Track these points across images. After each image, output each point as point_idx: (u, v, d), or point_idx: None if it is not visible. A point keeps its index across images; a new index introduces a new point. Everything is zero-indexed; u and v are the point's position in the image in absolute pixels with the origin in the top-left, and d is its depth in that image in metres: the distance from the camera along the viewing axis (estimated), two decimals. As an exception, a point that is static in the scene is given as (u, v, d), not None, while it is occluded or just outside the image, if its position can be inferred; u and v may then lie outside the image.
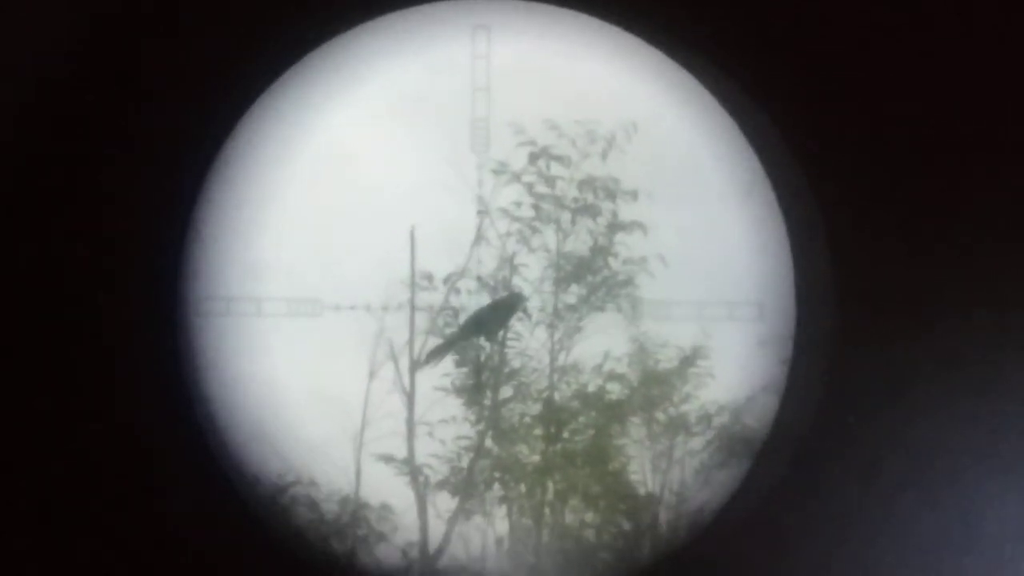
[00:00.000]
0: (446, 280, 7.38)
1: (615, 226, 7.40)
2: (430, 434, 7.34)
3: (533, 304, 7.40)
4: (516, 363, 7.44)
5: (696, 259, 6.94)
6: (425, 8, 5.76)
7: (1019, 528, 5.26)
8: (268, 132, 6.05)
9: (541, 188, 7.40)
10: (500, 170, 7.29)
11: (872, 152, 5.35)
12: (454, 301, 7.40)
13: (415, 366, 7.34)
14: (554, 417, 7.42)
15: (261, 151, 6.11)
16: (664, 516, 7.28)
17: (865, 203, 5.35)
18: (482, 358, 7.42)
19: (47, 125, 5.38)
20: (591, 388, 7.44)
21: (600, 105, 7.06)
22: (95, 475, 5.37)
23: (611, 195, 7.37)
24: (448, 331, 7.40)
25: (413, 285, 7.33)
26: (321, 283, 6.97)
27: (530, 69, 6.77)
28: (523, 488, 7.38)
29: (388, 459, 7.27)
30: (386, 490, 7.15)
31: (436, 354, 7.37)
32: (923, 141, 5.34)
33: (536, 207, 7.42)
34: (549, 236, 7.45)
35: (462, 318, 7.38)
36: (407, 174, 6.95)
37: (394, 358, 7.32)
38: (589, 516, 7.35)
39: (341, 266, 6.97)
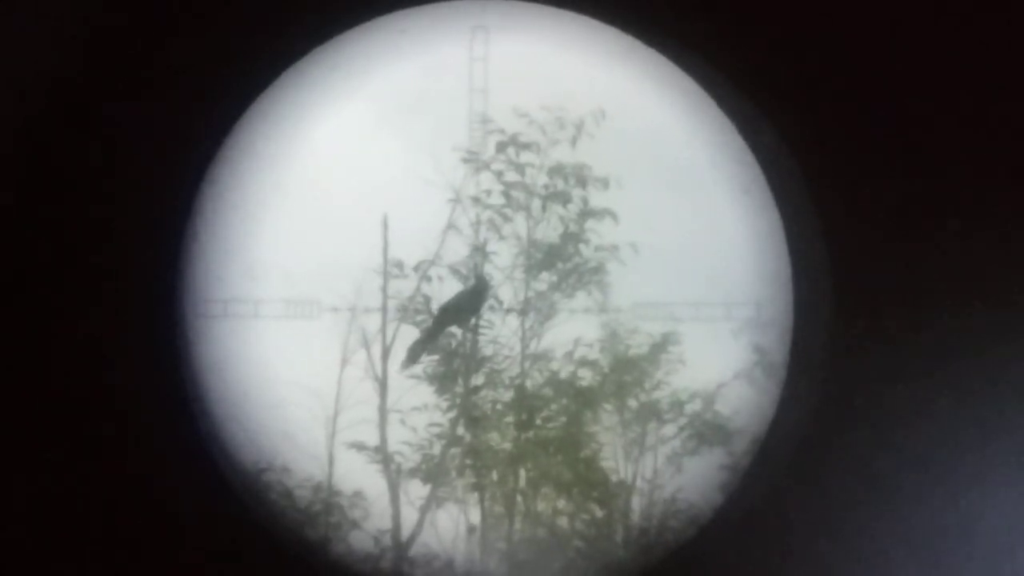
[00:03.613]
0: (417, 268, 7.38)
1: (586, 213, 7.41)
2: (402, 422, 7.34)
3: (505, 292, 7.41)
4: (488, 350, 7.44)
5: (693, 259, 6.96)
6: (423, 9, 5.75)
7: (1019, 526, 5.28)
8: (265, 133, 6.05)
9: (511, 176, 7.41)
10: (469, 158, 7.30)
11: (870, 150, 5.37)
12: (425, 289, 7.40)
13: (387, 354, 7.34)
14: (526, 404, 7.43)
15: (258, 152, 6.11)
16: (637, 503, 7.29)
17: (863, 201, 5.37)
18: (454, 345, 7.42)
19: (43, 127, 5.37)
20: (563, 375, 7.44)
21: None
22: (91, 471, 5.37)
23: (582, 182, 7.39)
24: (419, 318, 7.40)
25: (385, 273, 7.33)
26: (319, 285, 6.99)
27: (528, 71, 6.80)
28: (495, 475, 7.39)
29: (360, 447, 7.27)
30: (358, 477, 7.15)
31: (415, 352, 7.37)
32: (921, 139, 5.36)
33: (506, 194, 7.42)
34: (520, 224, 7.45)
35: (433, 306, 7.38)
36: (406, 176, 6.97)
37: (366, 345, 7.31)
38: (561, 503, 7.36)
39: (339, 267, 6.98)
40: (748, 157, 5.71)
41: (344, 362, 7.26)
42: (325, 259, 6.92)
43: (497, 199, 7.43)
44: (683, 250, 6.96)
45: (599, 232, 7.40)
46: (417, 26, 5.96)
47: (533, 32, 6.09)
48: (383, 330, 7.34)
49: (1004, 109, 5.31)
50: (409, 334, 7.41)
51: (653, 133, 6.65)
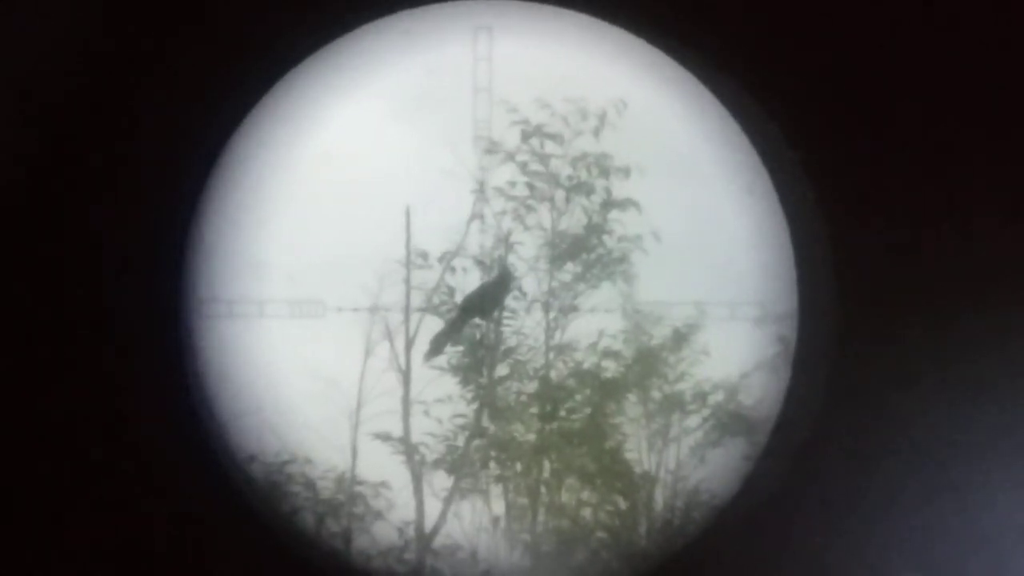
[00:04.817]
0: (441, 258, 7.38)
1: (609, 204, 7.39)
2: (426, 413, 7.35)
3: (529, 283, 7.41)
4: (512, 341, 7.44)
5: (697, 259, 6.94)
6: (427, 9, 5.73)
7: (1020, 525, 5.25)
8: (271, 133, 6.06)
9: (535, 166, 7.39)
10: (493, 149, 7.29)
11: (874, 150, 5.33)
12: (449, 280, 7.40)
13: (411, 345, 7.34)
14: (550, 395, 7.42)
15: (263, 152, 6.12)
16: (660, 495, 7.27)
17: (867, 201, 5.33)
18: (478, 337, 7.42)
19: (46, 125, 5.38)
20: (586, 366, 7.43)
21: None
22: (93, 471, 5.40)
23: (604, 172, 7.36)
24: (444, 309, 7.40)
25: (408, 263, 7.33)
26: (323, 284, 7.01)
27: (532, 70, 6.79)
28: (519, 467, 7.39)
29: (384, 437, 7.29)
30: (382, 468, 7.17)
31: (439, 343, 7.38)
32: (924, 138, 5.31)
33: (530, 186, 7.40)
34: (544, 214, 7.44)
35: (457, 297, 7.38)
36: (410, 176, 6.97)
37: (390, 337, 7.32)
38: (585, 495, 7.36)
39: (344, 267, 6.99)
40: (752, 157, 5.67)
41: (367, 354, 7.28)
42: (336, 256, 6.93)
43: (521, 190, 7.41)
44: (686, 250, 6.94)
45: (623, 222, 7.38)
46: (421, 26, 5.94)
47: (537, 32, 6.06)
48: (406, 321, 7.34)
49: (1007, 108, 5.26)
50: (433, 325, 7.42)
51: (656, 133, 6.63)
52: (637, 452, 7.36)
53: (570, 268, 7.45)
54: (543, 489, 7.35)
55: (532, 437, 7.42)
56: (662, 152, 6.77)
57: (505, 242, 7.37)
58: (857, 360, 5.33)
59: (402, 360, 7.33)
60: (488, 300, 7.36)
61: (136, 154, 5.44)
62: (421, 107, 6.81)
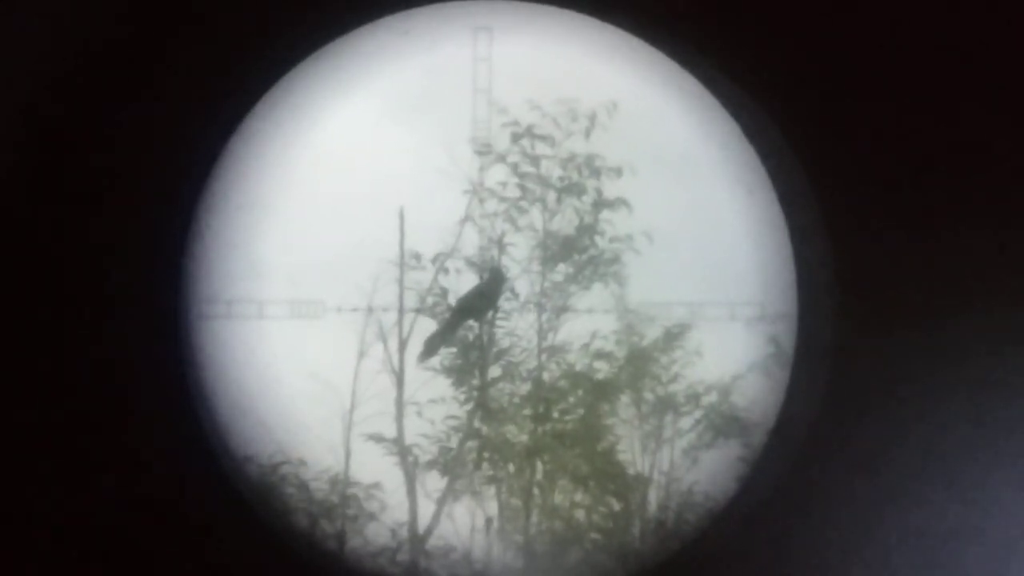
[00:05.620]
0: (435, 260, 7.37)
1: (600, 204, 7.39)
2: (419, 414, 7.35)
3: (521, 284, 7.41)
4: (504, 343, 7.44)
5: (695, 259, 6.95)
6: (426, 10, 5.74)
7: (1020, 525, 5.26)
8: (270, 134, 6.05)
9: (526, 168, 7.39)
10: (484, 151, 7.28)
11: (872, 149, 5.34)
12: (443, 281, 7.40)
13: (404, 346, 7.34)
14: (543, 397, 7.42)
15: (263, 153, 6.12)
16: (654, 496, 7.27)
17: (866, 201, 5.34)
18: (471, 338, 7.42)
19: (48, 126, 5.38)
20: (579, 367, 7.42)
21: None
22: (93, 470, 5.38)
23: (595, 172, 7.36)
24: (437, 310, 7.40)
25: (402, 265, 7.33)
26: (323, 284, 7.01)
27: (531, 71, 6.79)
28: (512, 468, 7.38)
29: (377, 439, 7.29)
30: (375, 470, 7.17)
31: (432, 345, 7.37)
32: (924, 138, 5.33)
33: (522, 187, 7.40)
34: (536, 216, 7.44)
35: (451, 298, 7.38)
36: (409, 176, 6.97)
37: (383, 338, 7.32)
38: (578, 496, 7.35)
39: (343, 267, 6.99)
40: (752, 157, 5.69)
41: (361, 355, 7.27)
42: (334, 256, 6.93)
43: (513, 191, 7.41)
44: (684, 250, 6.95)
45: (614, 223, 7.38)
46: (421, 27, 5.94)
47: (536, 32, 6.06)
48: (400, 323, 7.34)
49: (1006, 109, 5.27)
50: (426, 326, 7.41)
51: (655, 133, 6.64)
52: (630, 453, 7.36)
53: (562, 269, 7.44)
54: (536, 490, 7.34)
55: (525, 438, 7.42)
56: (661, 152, 6.79)
57: (498, 243, 7.37)
58: (857, 360, 5.34)
59: (396, 361, 7.32)
60: (481, 301, 7.35)
61: (136, 154, 5.43)
62: (420, 108, 6.82)
